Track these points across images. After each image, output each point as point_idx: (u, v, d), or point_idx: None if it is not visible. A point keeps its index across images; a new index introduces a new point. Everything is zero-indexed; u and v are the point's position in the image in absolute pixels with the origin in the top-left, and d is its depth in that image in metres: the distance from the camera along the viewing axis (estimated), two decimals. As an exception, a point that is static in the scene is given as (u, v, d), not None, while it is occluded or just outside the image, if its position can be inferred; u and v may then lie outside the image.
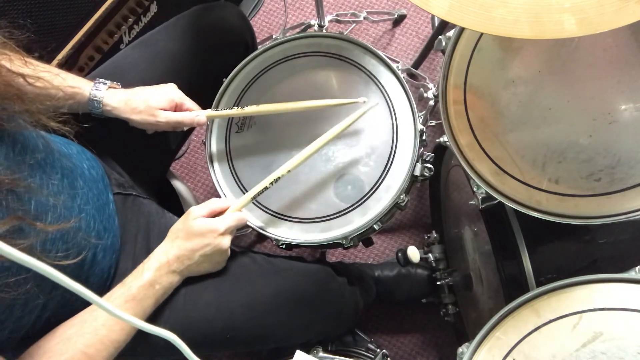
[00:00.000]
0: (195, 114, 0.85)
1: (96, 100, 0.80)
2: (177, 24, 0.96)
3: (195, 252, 0.74)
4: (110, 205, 0.79)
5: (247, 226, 0.85)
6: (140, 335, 0.69)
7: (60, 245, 0.64)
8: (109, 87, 0.82)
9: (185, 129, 0.90)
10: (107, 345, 0.65)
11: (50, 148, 0.69)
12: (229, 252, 0.78)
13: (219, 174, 0.89)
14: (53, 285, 0.64)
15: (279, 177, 0.79)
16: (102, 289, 0.75)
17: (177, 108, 0.85)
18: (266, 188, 0.80)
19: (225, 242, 0.76)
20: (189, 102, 0.86)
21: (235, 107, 0.88)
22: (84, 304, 0.66)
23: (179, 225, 0.76)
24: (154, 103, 0.82)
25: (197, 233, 0.74)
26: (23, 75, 0.63)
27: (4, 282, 0.55)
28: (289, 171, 0.79)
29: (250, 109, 0.86)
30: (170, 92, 0.85)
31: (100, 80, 0.83)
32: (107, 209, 0.77)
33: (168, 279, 0.73)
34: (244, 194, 0.85)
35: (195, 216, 0.75)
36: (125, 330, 0.67)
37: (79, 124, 0.70)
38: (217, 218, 0.77)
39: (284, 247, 0.86)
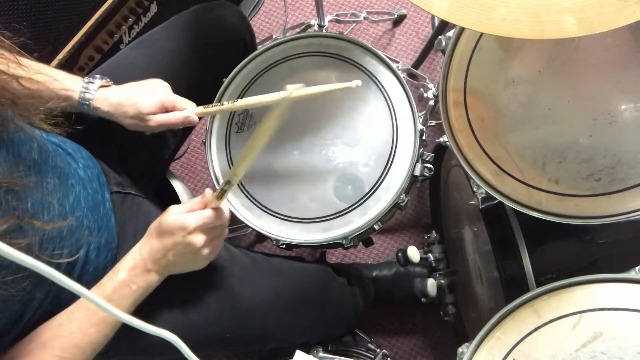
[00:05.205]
0: (185, 113, 0.82)
1: (85, 104, 0.79)
2: (176, 24, 0.95)
3: (167, 252, 0.69)
4: (106, 204, 0.78)
5: (247, 226, 0.85)
6: (139, 335, 0.68)
7: (57, 242, 0.65)
8: (100, 87, 0.80)
9: (180, 127, 0.89)
10: (83, 349, 0.64)
11: (45, 148, 0.69)
12: (206, 250, 0.71)
13: (219, 174, 0.89)
14: (50, 283, 0.64)
15: (229, 181, 0.67)
16: None
17: (168, 109, 0.82)
18: (228, 183, 0.68)
19: (197, 239, 0.68)
20: (180, 102, 0.83)
21: (226, 102, 0.85)
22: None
23: (155, 222, 0.72)
24: (144, 109, 0.79)
25: (167, 231, 0.69)
26: (17, 78, 0.62)
27: (2, 280, 0.55)
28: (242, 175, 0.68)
29: (241, 102, 0.83)
30: (159, 95, 0.81)
31: (90, 79, 0.80)
32: (102, 208, 0.77)
33: (145, 278, 0.69)
34: (244, 193, 0.85)
35: (171, 212, 0.70)
36: (101, 333, 0.66)
37: (72, 127, 0.69)
38: (188, 214, 0.70)
39: (284, 247, 0.86)
